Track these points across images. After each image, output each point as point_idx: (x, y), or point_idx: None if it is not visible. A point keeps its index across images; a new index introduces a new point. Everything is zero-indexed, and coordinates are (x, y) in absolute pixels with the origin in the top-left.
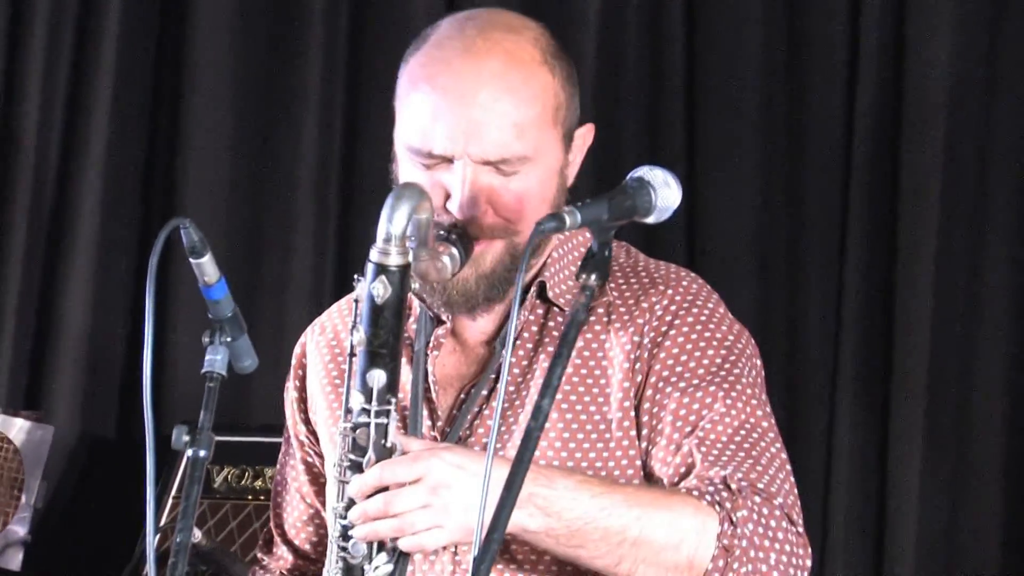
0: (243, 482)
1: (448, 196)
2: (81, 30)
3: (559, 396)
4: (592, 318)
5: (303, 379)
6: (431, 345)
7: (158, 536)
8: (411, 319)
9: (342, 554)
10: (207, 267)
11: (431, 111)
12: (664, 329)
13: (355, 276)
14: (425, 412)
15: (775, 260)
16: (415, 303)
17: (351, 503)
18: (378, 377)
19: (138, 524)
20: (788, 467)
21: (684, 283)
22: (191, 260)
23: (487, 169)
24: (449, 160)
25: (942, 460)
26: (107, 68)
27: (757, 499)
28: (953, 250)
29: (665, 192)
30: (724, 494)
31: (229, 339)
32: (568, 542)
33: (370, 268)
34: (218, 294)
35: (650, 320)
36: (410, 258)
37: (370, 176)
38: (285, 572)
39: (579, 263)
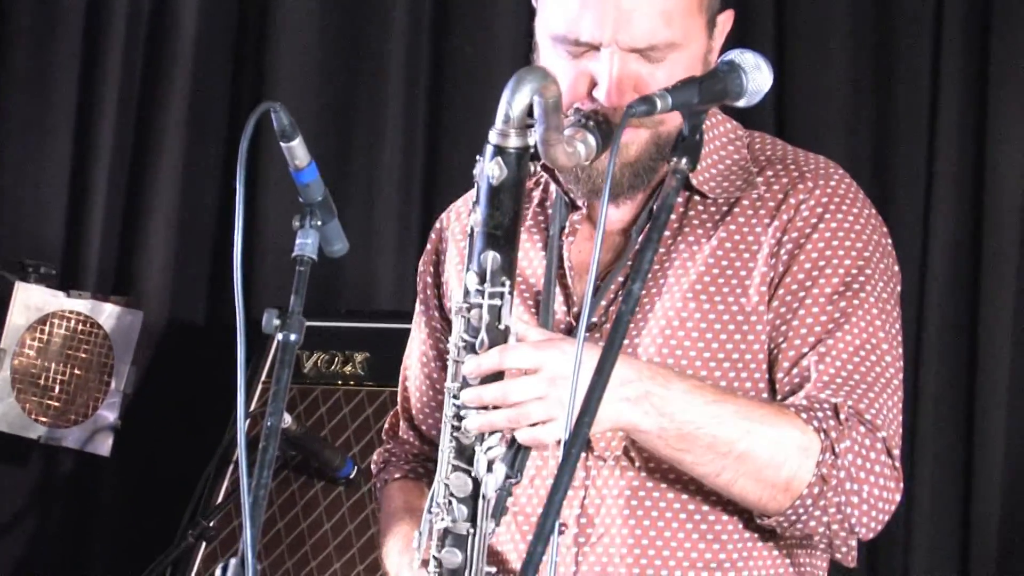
0: (333, 367)
1: (594, 84)
2: None
3: (699, 286)
4: (737, 209)
5: (437, 264)
6: (566, 231)
7: (248, 421)
8: (547, 203)
9: (455, 434)
10: (297, 151)
11: None
12: (808, 231)
13: (477, 156)
14: (561, 298)
15: (864, 144)
16: (551, 187)
17: (465, 383)
18: (492, 258)
19: (227, 409)
20: (899, 393)
21: (834, 180)
22: (281, 144)
23: (635, 57)
24: (596, 48)
25: None
26: None
27: (862, 429)
28: None
29: (756, 75)
30: (831, 422)
31: (319, 223)
32: (676, 444)
33: (488, 149)
34: (308, 177)
35: (794, 218)
36: (530, 140)
37: (460, 64)
38: (411, 457)
39: (721, 152)
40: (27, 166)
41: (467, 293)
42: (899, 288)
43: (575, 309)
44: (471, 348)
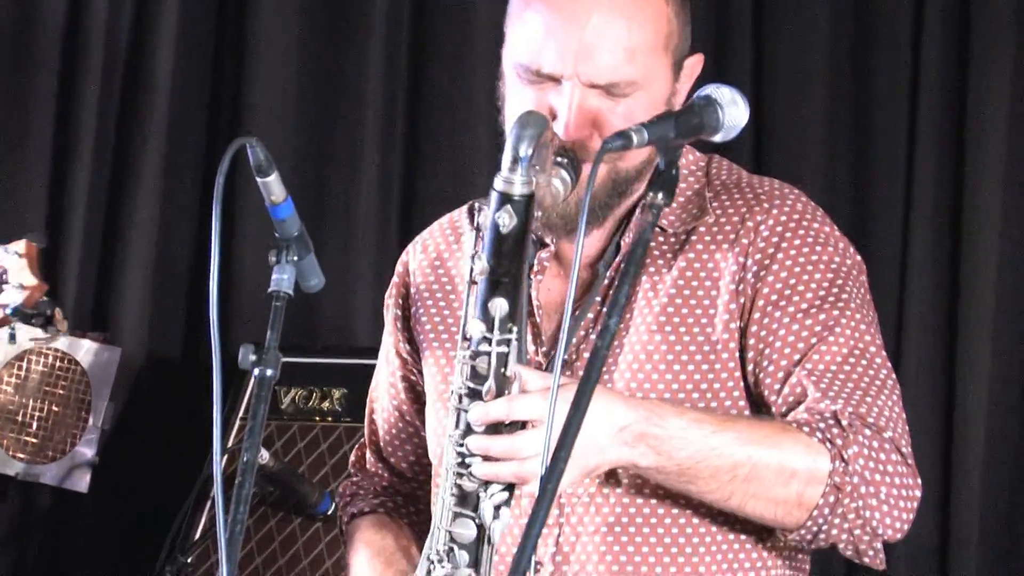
0: (310, 403)
1: (555, 116)
2: None
3: (663, 318)
4: (694, 238)
5: (406, 297)
6: (535, 269)
7: (225, 457)
8: None
9: (458, 480)
10: (273, 186)
11: (544, 29)
12: (771, 251)
13: (475, 203)
14: (530, 336)
15: (842, 179)
16: None
17: (469, 430)
18: (500, 306)
19: (205, 445)
20: (897, 392)
21: (789, 200)
22: (257, 179)
23: (595, 92)
24: (557, 80)
25: (1009, 387)
26: None
27: (868, 432)
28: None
29: (732, 110)
30: (835, 431)
31: (295, 258)
32: (678, 479)
33: (494, 197)
34: (284, 213)
35: (755, 241)
36: (534, 187)
37: (437, 97)
38: (379, 490)
39: (682, 184)
40: (4, 202)
41: (469, 340)
42: (871, 300)
43: (544, 348)
44: (476, 395)
